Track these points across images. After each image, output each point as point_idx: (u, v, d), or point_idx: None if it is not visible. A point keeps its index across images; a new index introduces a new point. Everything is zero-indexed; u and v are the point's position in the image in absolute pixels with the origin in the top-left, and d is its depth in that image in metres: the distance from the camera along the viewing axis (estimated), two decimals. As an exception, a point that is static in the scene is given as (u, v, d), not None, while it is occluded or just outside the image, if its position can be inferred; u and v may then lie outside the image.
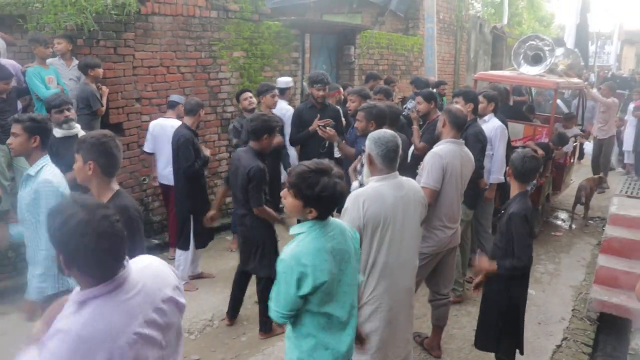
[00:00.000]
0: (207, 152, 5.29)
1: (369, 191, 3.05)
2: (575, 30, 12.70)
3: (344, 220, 2.82)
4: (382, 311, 3.07)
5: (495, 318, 3.65)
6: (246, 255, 4.43)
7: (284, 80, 6.90)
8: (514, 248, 3.45)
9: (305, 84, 8.96)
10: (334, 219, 2.52)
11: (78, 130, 4.53)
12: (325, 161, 2.46)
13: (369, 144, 3.14)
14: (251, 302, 4.95)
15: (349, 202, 2.98)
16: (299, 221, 2.59)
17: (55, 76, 5.52)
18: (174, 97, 5.85)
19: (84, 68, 5.49)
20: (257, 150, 4.23)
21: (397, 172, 3.16)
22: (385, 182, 3.08)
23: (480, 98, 5.54)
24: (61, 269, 1.64)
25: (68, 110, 4.48)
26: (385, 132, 3.19)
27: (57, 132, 4.36)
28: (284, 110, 6.42)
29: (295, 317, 2.45)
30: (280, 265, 2.37)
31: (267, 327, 4.55)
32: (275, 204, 4.83)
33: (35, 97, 5.47)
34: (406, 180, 3.23)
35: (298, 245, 2.37)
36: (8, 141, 3.27)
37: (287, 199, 2.43)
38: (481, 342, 3.83)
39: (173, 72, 6.51)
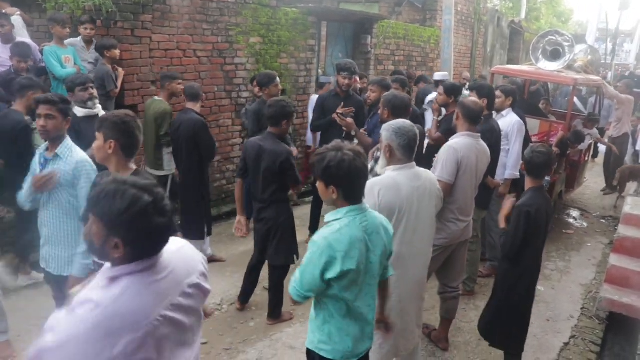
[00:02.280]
0: None
1: (384, 180, 3.03)
2: (596, 28, 12.55)
3: None
4: (392, 302, 3.06)
5: (493, 309, 3.77)
6: (264, 245, 4.44)
7: None
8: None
9: (320, 71, 8.93)
10: (372, 211, 2.53)
11: (99, 109, 4.52)
12: (344, 142, 2.46)
13: (388, 135, 3.09)
14: (260, 288, 4.97)
15: (365, 190, 2.98)
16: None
17: (73, 56, 5.53)
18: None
19: (100, 49, 5.52)
20: (277, 135, 4.29)
21: (414, 163, 3.14)
22: (402, 171, 3.07)
23: (498, 92, 5.49)
24: (102, 251, 1.63)
25: (92, 88, 4.44)
26: (405, 122, 3.16)
27: (79, 112, 4.32)
28: None
29: (319, 301, 2.48)
30: (312, 247, 2.37)
31: (275, 314, 4.57)
32: None
33: (52, 77, 5.49)
34: (423, 171, 3.21)
35: (332, 230, 2.37)
36: (41, 123, 3.17)
37: (318, 185, 2.47)
38: (480, 328, 3.93)
39: (189, 55, 6.50)
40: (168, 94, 5.44)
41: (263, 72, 5.87)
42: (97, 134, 2.69)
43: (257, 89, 6.00)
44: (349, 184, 2.39)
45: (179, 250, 1.83)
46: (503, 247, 3.64)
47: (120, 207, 1.55)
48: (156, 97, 5.53)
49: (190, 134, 4.90)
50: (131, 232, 1.58)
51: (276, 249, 4.36)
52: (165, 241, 1.69)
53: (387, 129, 3.11)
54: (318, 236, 2.39)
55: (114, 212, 1.56)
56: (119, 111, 2.79)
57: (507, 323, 3.70)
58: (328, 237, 2.34)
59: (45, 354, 1.49)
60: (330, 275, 2.32)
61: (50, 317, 1.60)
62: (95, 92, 4.49)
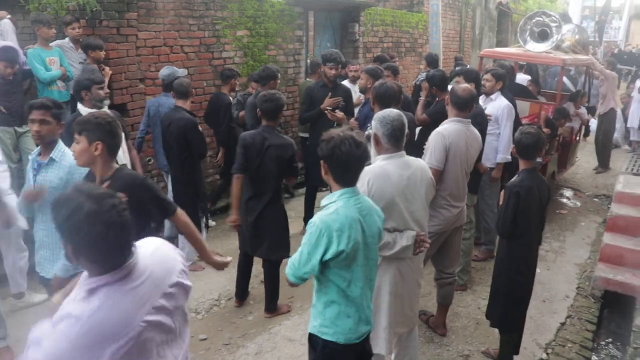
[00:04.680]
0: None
1: (374, 169, 3.05)
2: (581, 6, 12.54)
3: None
4: (385, 285, 3.13)
5: (500, 295, 3.73)
6: (258, 242, 4.41)
7: None
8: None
9: (309, 61, 8.90)
10: (363, 195, 2.63)
11: (107, 110, 4.40)
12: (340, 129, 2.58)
13: (374, 124, 3.15)
14: (257, 282, 4.99)
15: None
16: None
17: (59, 57, 5.48)
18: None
19: (86, 48, 5.48)
20: (274, 127, 4.34)
21: (403, 152, 3.17)
22: (391, 160, 3.09)
23: (488, 76, 5.49)
24: (69, 258, 1.64)
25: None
26: (391, 111, 3.18)
27: (85, 111, 4.06)
28: None
29: (320, 289, 2.57)
30: (310, 228, 2.46)
31: (272, 307, 4.59)
32: None
33: (37, 79, 5.44)
34: (414, 159, 3.23)
35: (329, 212, 2.47)
36: (35, 128, 3.20)
37: (322, 165, 2.57)
38: (489, 314, 3.91)
39: (177, 51, 6.46)
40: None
41: (264, 67, 5.79)
42: (77, 136, 2.67)
43: (251, 87, 6.07)
44: (344, 167, 2.49)
45: (155, 252, 1.83)
46: (496, 228, 3.71)
47: (64, 215, 1.57)
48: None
49: (181, 133, 4.88)
50: (76, 240, 1.58)
51: (275, 244, 4.38)
52: (124, 250, 1.66)
53: (374, 118, 3.17)
54: (315, 218, 2.48)
55: (59, 219, 1.58)
56: (99, 112, 2.82)
57: (508, 305, 3.72)
58: (325, 218, 2.44)
59: None
60: (328, 255, 2.40)
61: (34, 328, 1.62)
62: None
